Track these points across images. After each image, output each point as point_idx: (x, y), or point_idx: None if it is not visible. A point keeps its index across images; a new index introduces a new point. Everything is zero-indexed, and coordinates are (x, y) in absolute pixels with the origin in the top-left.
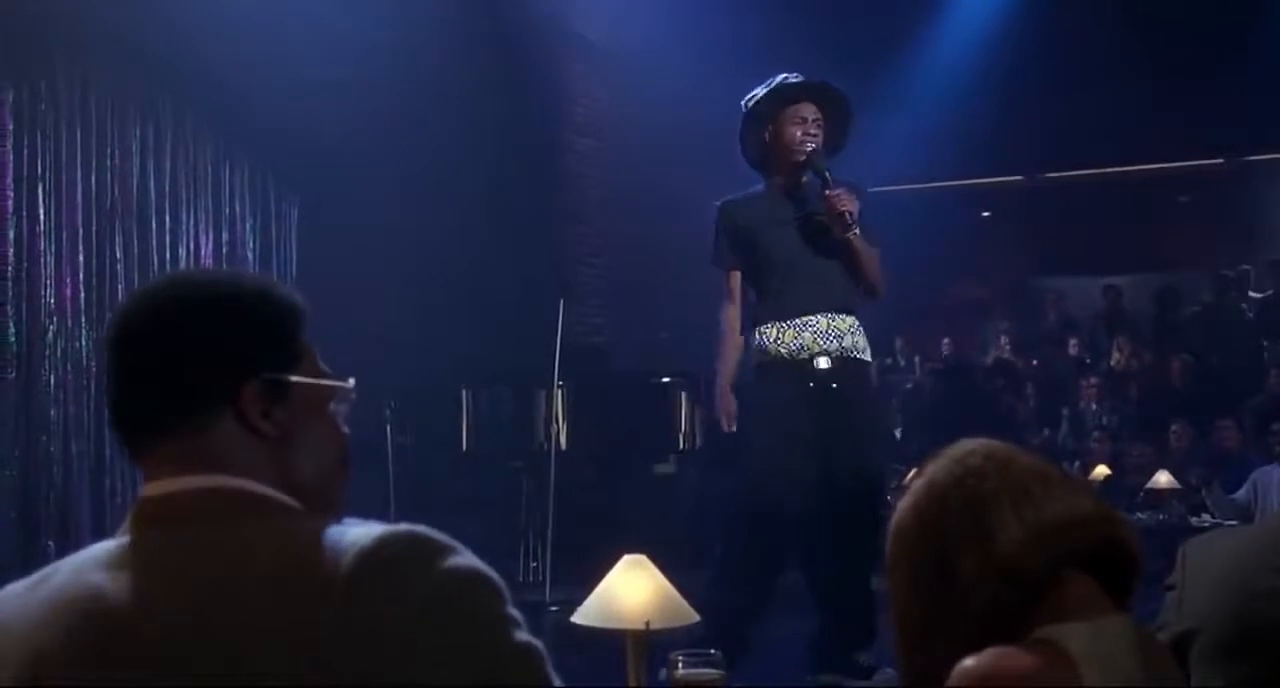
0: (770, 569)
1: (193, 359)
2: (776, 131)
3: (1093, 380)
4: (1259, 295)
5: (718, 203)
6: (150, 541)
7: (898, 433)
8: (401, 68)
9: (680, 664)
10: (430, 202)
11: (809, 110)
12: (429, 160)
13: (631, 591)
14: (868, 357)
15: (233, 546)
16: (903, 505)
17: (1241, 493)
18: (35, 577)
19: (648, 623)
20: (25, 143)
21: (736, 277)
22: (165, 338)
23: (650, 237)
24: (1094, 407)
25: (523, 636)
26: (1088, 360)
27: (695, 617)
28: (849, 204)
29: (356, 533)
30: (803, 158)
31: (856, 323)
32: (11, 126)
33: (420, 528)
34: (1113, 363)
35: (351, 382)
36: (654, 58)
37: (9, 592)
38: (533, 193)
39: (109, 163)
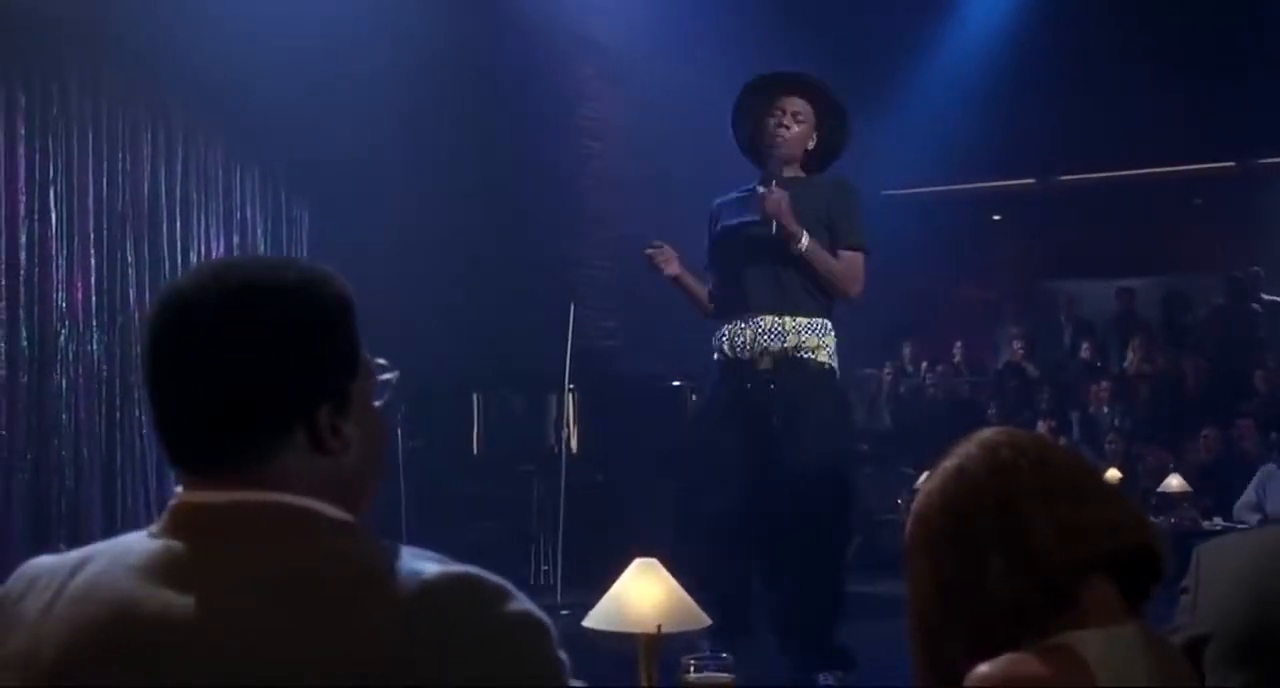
0: (735, 565)
1: (280, 381)
2: (757, 125)
3: (1104, 384)
4: (1271, 297)
5: (713, 203)
6: (198, 549)
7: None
8: (411, 71)
9: (692, 668)
10: (441, 205)
11: (790, 104)
12: (440, 164)
13: (643, 594)
14: (822, 357)
15: (288, 564)
16: (929, 490)
17: (1249, 492)
18: (71, 560)
19: (659, 627)
20: (37, 147)
21: (711, 276)
22: (249, 356)
23: (661, 238)
24: (1105, 410)
25: (569, 680)
26: (1099, 364)
27: (707, 621)
28: (777, 207)
29: (416, 567)
30: (776, 153)
31: (812, 323)
32: (23, 130)
33: (471, 570)
34: (1126, 366)
35: (395, 374)
36: (663, 60)
37: (44, 569)
38: (543, 196)
39: (120, 167)
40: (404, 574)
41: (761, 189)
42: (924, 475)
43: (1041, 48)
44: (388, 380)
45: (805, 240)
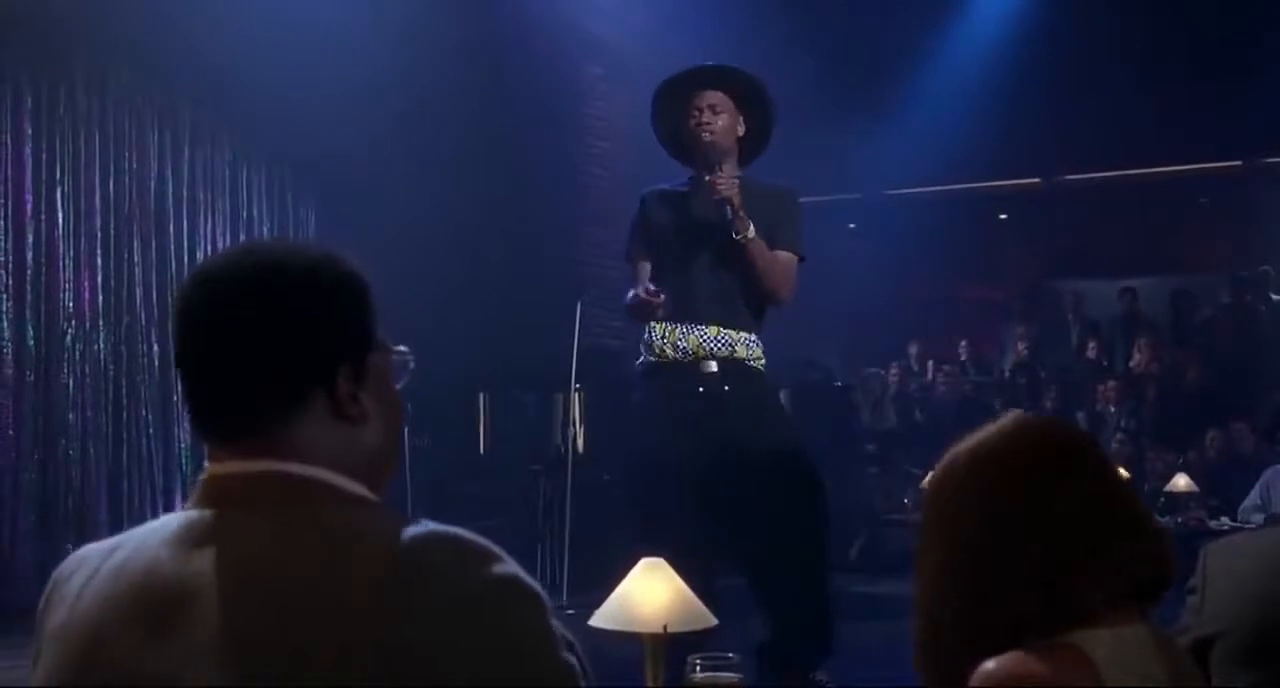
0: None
1: (299, 346)
2: (679, 126)
3: (1111, 383)
4: (1278, 296)
5: (642, 193)
6: (220, 517)
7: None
8: (417, 70)
9: (698, 668)
10: (447, 204)
11: (709, 98)
12: (446, 163)
13: (649, 594)
14: (760, 367)
15: (291, 530)
16: (943, 480)
17: (1253, 494)
18: (109, 544)
19: (665, 627)
20: (44, 147)
21: (646, 268)
22: (269, 323)
23: None
24: (1111, 410)
25: (561, 652)
26: (1105, 363)
27: (714, 621)
28: (732, 188)
29: (405, 528)
30: (708, 149)
31: (753, 338)
32: (30, 131)
33: (463, 532)
34: (1131, 365)
35: (412, 356)
36: (670, 60)
37: (91, 551)
38: (550, 195)
39: (126, 166)
40: (390, 535)
41: (709, 176)
42: (929, 475)
43: (1046, 47)
44: (405, 361)
45: (752, 229)
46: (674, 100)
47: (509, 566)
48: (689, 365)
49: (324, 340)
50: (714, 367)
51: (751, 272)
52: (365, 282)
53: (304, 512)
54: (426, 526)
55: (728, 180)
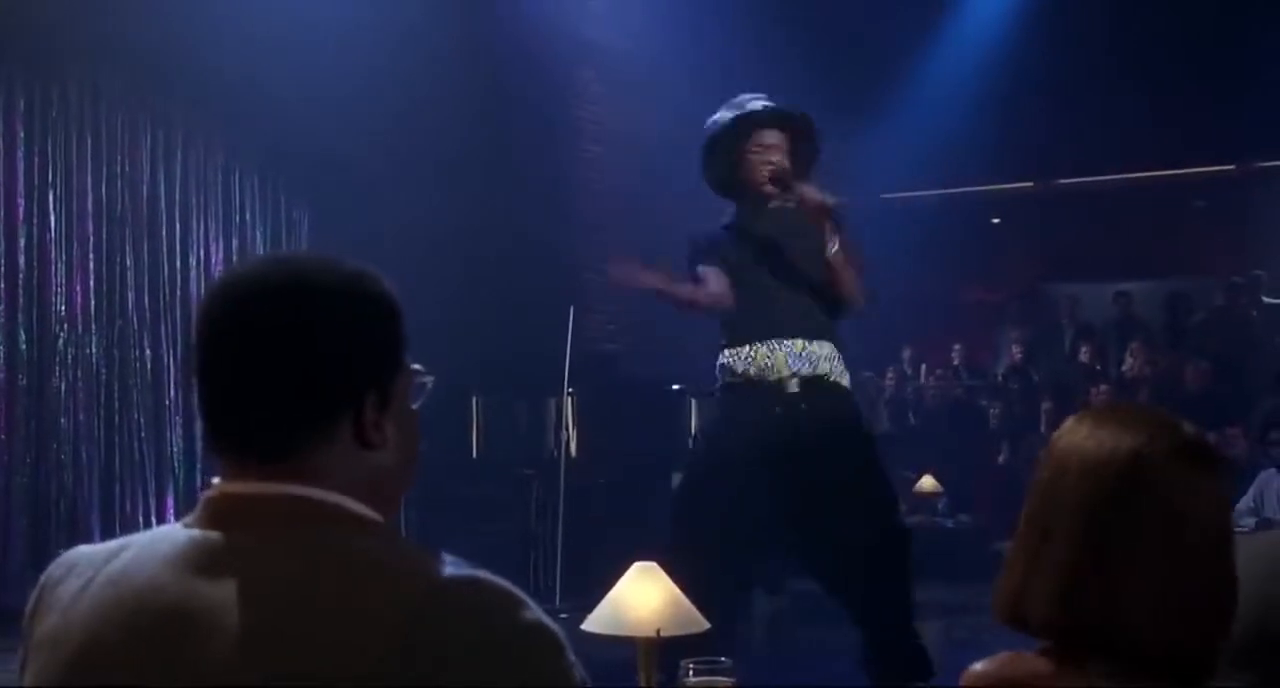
0: (729, 582)
1: (329, 371)
2: (738, 160)
3: (1103, 387)
4: (1271, 300)
5: (691, 237)
6: (229, 541)
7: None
8: (410, 74)
9: (691, 672)
10: (441, 208)
11: (769, 137)
12: (439, 167)
13: (642, 598)
14: (844, 382)
15: (307, 560)
16: (1111, 466)
17: (1247, 498)
18: (109, 548)
19: (658, 631)
20: (36, 150)
21: (714, 273)
22: (301, 345)
23: (661, 244)
24: None
25: None
26: (1098, 367)
27: (706, 625)
28: (820, 195)
29: (430, 569)
30: (766, 187)
31: (834, 351)
32: (22, 134)
33: (488, 575)
34: (1125, 369)
35: (432, 378)
36: (664, 63)
37: (82, 555)
38: (543, 199)
39: (119, 170)
40: (415, 575)
41: (800, 192)
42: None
43: (1039, 50)
44: (424, 383)
45: (837, 242)
46: (732, 136)
47: (532, 611)
48: (772, 385)
49: (354, 366)
50: (795, 387)
51: (834, 285)
52: (398, 304)
53: (323, 539)
54: (452, 566)
55: (816, 191)
